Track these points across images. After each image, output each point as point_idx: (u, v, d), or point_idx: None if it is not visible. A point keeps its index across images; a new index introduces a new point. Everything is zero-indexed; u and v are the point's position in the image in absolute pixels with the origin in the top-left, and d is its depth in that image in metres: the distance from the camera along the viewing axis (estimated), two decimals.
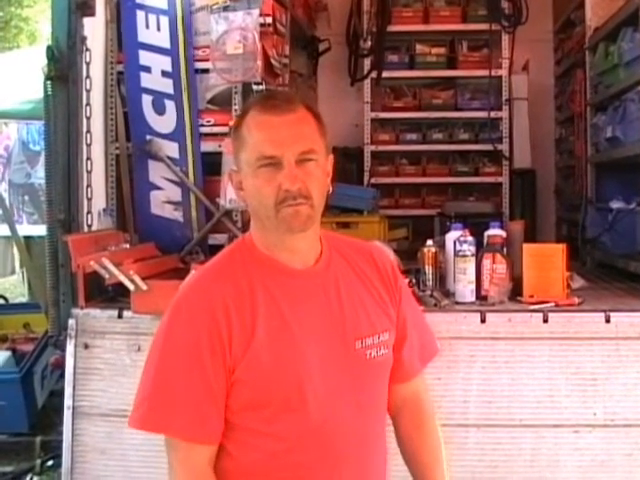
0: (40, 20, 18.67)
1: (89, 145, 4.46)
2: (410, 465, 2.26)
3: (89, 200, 4.44)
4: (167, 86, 4.76)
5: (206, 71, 4.75)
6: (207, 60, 4.68)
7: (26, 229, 8.88)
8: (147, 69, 4.76)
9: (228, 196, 4.50)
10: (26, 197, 10.02)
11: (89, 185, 4.44)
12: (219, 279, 2.02)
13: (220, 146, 4.65)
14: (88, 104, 4.46)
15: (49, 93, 4.35)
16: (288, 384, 1.96)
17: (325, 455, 1.99)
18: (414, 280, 4.40)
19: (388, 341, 2.11)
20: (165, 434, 1.97)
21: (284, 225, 1.98)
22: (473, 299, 4.18)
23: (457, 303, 4.19)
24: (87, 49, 4.45)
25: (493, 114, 7.59)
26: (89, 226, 4.45)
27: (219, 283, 2.01)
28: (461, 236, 4.23)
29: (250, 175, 1.99)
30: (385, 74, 7.65)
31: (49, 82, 4.34)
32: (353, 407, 2.03)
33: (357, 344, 2.05)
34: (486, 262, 4.21)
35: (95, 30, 4.60)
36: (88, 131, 4.45)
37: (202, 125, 4.78)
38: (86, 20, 4.45)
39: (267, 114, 1.99)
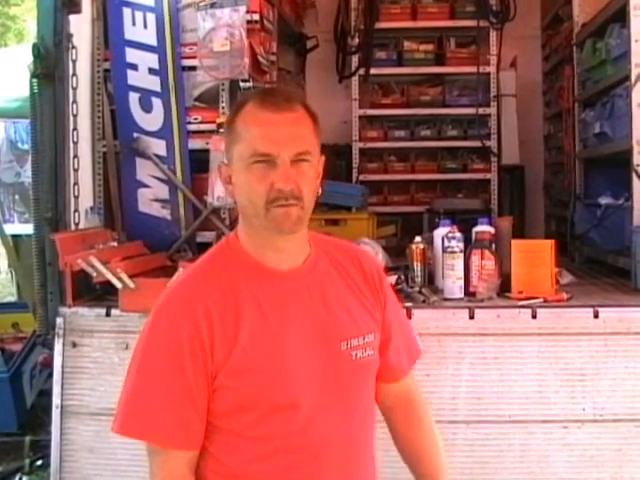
0: (28, 19, 18.59)
1: (76, 143, 4.44)
2: (409, 461, 2.26)
3: (76, 198, 4.43)
4: (154, 84, 4.75)
5: (193, 68, 4.76)
6: (194, 57, 4.68)
7: (17, 228, 8.86)
8: (134, 67, 4.75)
9: (216, 194, 4.49)
10: (16, 196, 9.99)
11: (76, 183, 4.43)
12: (201, 284, 2.00)
13: (208, 143, 4.64)
14: (75, 102, 4.45)
15: (35, 91, 4.33)
16: (273, 388, 1.95)
17: (310, 456, 1.98)
18: (403, 277, 4.41)
19: (374, 342, 2.10)
20: (145, 440, 1.96)
21: (273, 225, 1.97)
22: (462, 295, 4.18)
23: (446, 299, 4.19)
24: (73, 47, 4.43)
25: (481, 111, 7.61)
26: (76, 224, 4.44)
27: (201, 288, 1.99)
28: (449, 232, 4.23)
29: (242, 170, 1.97)
30: (373, 71, 7.66)
31: (35, 80, 4.32)
32: (338, 408, 2.02)
33: (342, 345, 2.03)
34: (474, 258, 4.21)
35: (81, 28, 4.59)
36: (75, 129, 4.44)
37: (189, 123, 4.78)
38: (72, 18, 4.43)
39: (265, 111, 1.97)
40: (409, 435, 2.26)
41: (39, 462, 5.28)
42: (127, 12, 4.75)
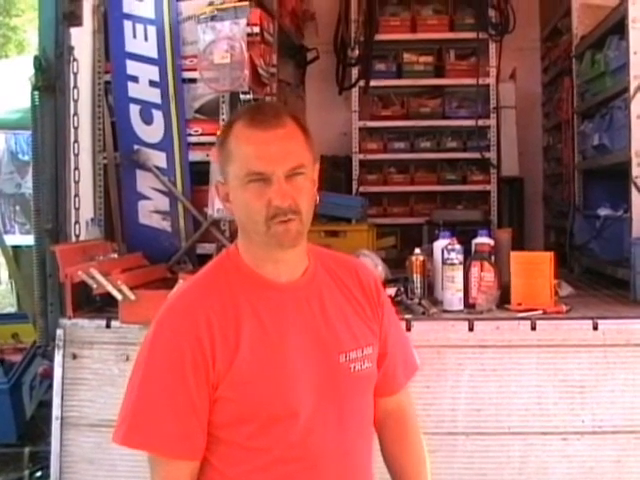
0: (28, 29, 18.60)
1: (77, 155, 4.46)
2: (394, 477, 2.26)
3: (77, 210, 4.44)
4: (155, 96, 4.75)
5: (193, 81, 4.75)
6: (194, 70, 4.67)
7: (18, 239, 8.87)
8: (134, 79, 4.75)
9: (216, 205, 4.49)
10: (17, 207, 10.00)
11: (77, 195, 4.44)
12: (202, 295, 2.02)
13: (208, 155, 4.64)
14: (76, 114, 4.47)
15: (36, 103, 4.35)
16: (273, 400, 1.96)
17: (309, 466, 1.99)
18: (402, 288, 4.41)
19: (372, 355, 2.12)
20: (147, 451, 1.97)
21: (274, 241, 1.99)
22: (461, 307, 4.18)
23: (445, 311, 4.19)
24: (74, 59, 4.45)
25: (481, 122, 7.62)
26: (77, 236, 4.44)
27: (203, 299, 2.00)
28: (449, 244, 4.24)
29: (238, 189, 1.99)
30: (373, 83, 7.67)
31: (36, 92, 4.33)
32: (336, 420, 2.03)
33: (341, 358, 2.05)
34: (474, 270, 4.21)
35: (82, 40, 4.60)
36: (76, 141, 4.45)
37: (190, 135, 4.77)
38: (73, 30, 4.45)
39: (255, 129, 1.98)
40: (395, 451, 2.27)
41: (39, 473, 5.27)
42: (128, 25, 4.75)
